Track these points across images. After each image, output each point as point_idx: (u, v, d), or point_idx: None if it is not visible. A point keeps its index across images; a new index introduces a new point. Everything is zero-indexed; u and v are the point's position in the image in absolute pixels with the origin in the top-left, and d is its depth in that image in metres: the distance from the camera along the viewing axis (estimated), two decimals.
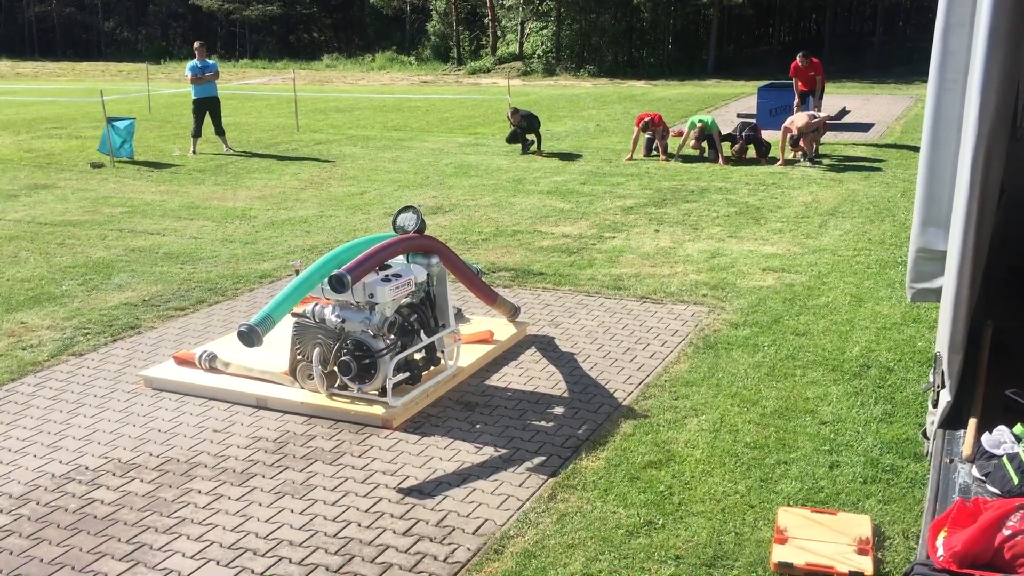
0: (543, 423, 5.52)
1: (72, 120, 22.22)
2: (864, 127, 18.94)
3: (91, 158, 15.96)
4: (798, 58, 16.62)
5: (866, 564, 3.92)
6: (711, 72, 36.89)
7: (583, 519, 4.43)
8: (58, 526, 4.45)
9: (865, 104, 23.49)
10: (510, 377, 6.26)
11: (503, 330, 6.91)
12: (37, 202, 12.42)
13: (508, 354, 6.67)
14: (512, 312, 7.04)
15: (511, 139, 16.64)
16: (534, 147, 16.34)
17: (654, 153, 15.58)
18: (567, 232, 10.26)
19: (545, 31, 41.30)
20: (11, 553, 4.22)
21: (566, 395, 5.93)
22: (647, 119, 15.31)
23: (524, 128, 16.41)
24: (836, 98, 23.59)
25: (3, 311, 7.71)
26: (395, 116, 23.06)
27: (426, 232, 6.26)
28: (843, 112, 20.68)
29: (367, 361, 5.51)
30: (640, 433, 5.32)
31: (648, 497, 4.61)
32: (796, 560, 3.96)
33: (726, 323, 7.15)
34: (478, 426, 5.50)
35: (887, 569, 3.96)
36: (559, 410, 5.70)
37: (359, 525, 4.43)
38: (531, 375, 6.28)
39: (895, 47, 40.33)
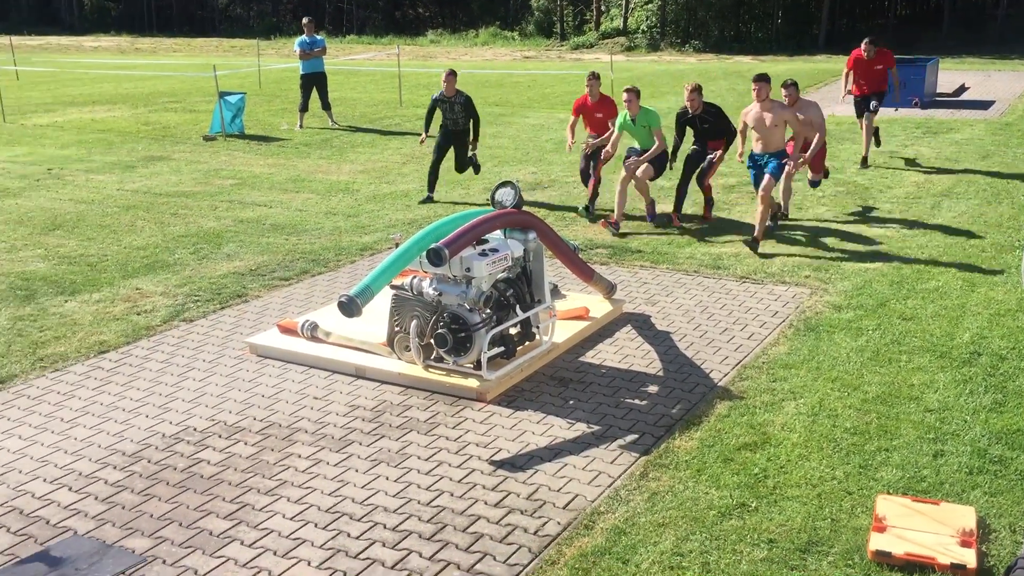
0: (637, 401, 5.49)
1: (187, 94, 22.98)
2: (984, 104, 18.11)
3: (204, 131, 16.49)
4: (862, 46, 12.12)
5: (969, 557, 3.79)
6: (822, 47, 35.72)
7: (674, 498, 4.40)
8: (167, 484, 4.66)
9: (986, 80, 22.45)
10: (605, 354, 6.24)
11: (599, 307, 6.89)
12: (153, 173, 12.92)
13: (603, 331, 6.65)
14: (608, 289, 7.01)
15: (462, 166, 11.07)
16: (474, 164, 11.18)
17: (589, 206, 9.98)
18: (666, 210, 10.13)
19: (650, 5, 40.65)
20: (123, 508, 4.44)
21: (661, 374, 5.88)
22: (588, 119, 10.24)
23: (459, 118, 10.67)
24: (955, 74, 22.61)
25: (120, 277, 8.07)
26: (496, 92, 23.09)
27: (524, 208, 6.28)
28: (962, 88, 19.82)
29: (463, 334, 5.57)
30: (735, 415, 5.24)
31: (742, 479, 4.55)
32: (895, 549, 3.85)
33: (829, 305, 6.97)
34: (571, 402, 5.52)
35: (991, 563, 3.83)
36: (653, 389, 5.66)
37: (452, 495, 4.50)
38: (626, 353, 6.25)
39: (1020, 20, 38.32)
